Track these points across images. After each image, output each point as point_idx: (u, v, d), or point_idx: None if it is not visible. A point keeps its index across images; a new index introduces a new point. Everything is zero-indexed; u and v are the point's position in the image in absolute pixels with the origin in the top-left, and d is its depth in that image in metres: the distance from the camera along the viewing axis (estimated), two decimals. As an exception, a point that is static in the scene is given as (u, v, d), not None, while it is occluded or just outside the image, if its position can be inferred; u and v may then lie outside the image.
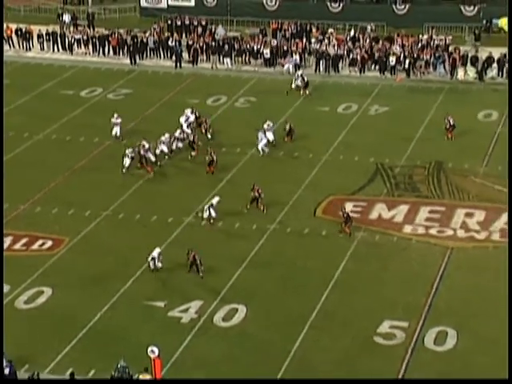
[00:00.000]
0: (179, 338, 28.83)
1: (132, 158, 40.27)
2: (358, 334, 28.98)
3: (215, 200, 36.12)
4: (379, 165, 41.07)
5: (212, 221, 35.77)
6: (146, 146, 40.69)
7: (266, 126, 42.65)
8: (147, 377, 25.93)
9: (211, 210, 35.66)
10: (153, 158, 40.86)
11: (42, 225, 36.05)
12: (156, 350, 26.25)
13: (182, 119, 43.72)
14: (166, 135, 41.69)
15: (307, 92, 49.74)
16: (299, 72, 51.17)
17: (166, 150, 41.64)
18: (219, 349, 28.35)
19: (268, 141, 42.48)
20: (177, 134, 42.48)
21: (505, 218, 36.07)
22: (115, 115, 43.69)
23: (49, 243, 34.76)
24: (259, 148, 42.19)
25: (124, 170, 40.16)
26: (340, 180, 39.72)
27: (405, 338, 28.70)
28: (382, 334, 28.93)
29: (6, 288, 31.47)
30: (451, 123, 43.24)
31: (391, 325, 29.34)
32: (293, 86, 50.32)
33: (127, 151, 40.27)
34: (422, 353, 28.17)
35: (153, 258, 32.46)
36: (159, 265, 32.50)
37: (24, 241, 34.90)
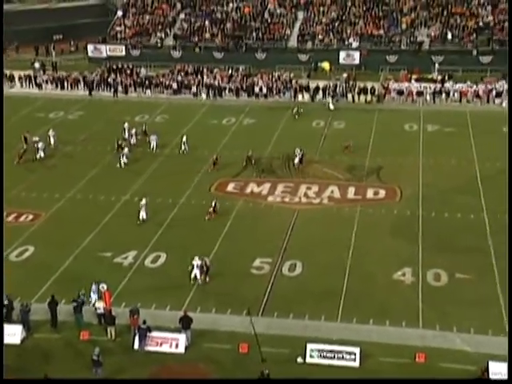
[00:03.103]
0: (121, 276, 28.20)
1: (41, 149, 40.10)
2: (240, 268, 28.86)
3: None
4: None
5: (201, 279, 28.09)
6: (40, 144, 40.24)
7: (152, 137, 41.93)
8: (101, 303, 25.24)
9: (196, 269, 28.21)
10: (42, 155, 40.07)
11: (26, 204, 34.62)
12: (105, 285, 25.58)
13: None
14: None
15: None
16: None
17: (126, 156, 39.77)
18: (148, 283, 27.78)
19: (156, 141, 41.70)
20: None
21: (330, 189, 36.43)
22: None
23: (31, 216, 33.46)
24: (154, 145, 41.27)
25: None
26: (225, 169, 39.31)
27: (270, 269, 28.79)
28: (256, 267, 28.94)
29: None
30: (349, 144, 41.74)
31: (261, 261, 29.38)
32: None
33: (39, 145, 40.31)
34: (280, 278, 28.33)
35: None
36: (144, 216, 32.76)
37: (14, 215, 33.46)
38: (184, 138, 41.81)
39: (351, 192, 36.29)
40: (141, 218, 32.62)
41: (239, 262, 29.31)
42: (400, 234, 31.51)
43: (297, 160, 39.31)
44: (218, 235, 31.64)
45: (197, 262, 27.95)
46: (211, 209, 33.25)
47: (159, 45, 64.17)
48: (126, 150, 39.98)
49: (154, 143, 41.36)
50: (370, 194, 36.05)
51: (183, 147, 41.68)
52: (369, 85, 52.94)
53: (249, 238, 31.67)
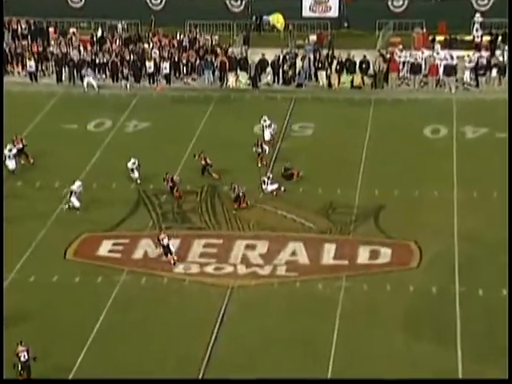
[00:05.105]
0: None
1: None
2: (125, 399, 28.87)
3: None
4: (142, 192, 41.45)
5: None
6: None
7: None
8: None
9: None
10: None
11: None
12: None
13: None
14: None
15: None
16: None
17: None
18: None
19: None
20: None
21: (291, 248, 37.11)
22: None
23: None
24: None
25: None
26: (95, 213, 39.77)
27: (179, 403, 29.00)
28: (154, 399, 29.09)
29: None
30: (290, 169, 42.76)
31: (164, 385, 29.50)
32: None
33: None
34: (203, 416, 28.63)
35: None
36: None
37: None
38: (130, 164, 42.24)
39: (329, 253, 36.88)
40: None
41: (123, 388, 29.32)
42: (421, 330, 32.10)
43: (271, 188, 41.16)
44: (84, 336, 31.62)
45: None
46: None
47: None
48: (76, 184, 40.25)
49: None
50: (363, 255, 36.71)
51: (133, 175, 42.28)
52: (357, 55, 54.24)
53: (140, 341, 31.66)
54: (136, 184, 42.23)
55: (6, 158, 43.31)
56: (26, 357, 29.00)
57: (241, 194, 40.00)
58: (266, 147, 44.23)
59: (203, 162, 42.58)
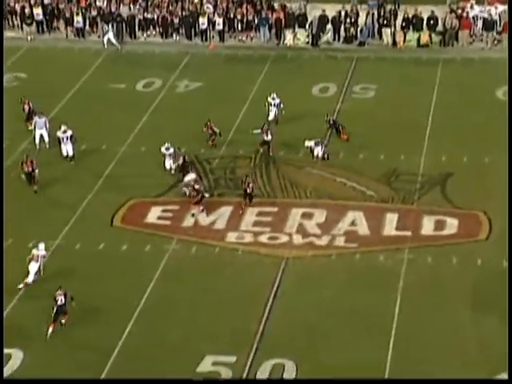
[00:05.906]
0: None
1: None
2: (177, 373, 28.85)
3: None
4: (193, 156, 41.49)
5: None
6: None
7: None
8: None
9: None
10: None
11: None
12: None
13: None
14: None
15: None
16: None
17: None
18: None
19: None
20: None
21: (351, 217, 37.08)
22: None
23: None
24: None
25: None
26: (143, 178, 39.98)
27: (232, 376, 28.86)
28: (204, 374, 29.01)
29: None
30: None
31: (214, 361, 29.46)
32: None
33: None
34: (254, 392, 28.60)
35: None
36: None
37: None
38: (164, 149, 40.34)
39: (391, 223, 36.94)
40: None
41: (175, 362, 29.43)
42: (489, 307, 31.92)
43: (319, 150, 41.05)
44: (131, 309, 31.85)
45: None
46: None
47: None
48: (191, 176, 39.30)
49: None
50: (428, 226, 36.68)
51: (169, 163, 40.49)
52: (425, 11, 53.83)
53: (191, 315, 31.86)
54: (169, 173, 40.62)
55: (60, 140, 41.33)
56: (63, 300, 30.23)
57: (253, 192, 38.33)
58: (270, 136, 41.78)
59: (210, 131, 42.26)
